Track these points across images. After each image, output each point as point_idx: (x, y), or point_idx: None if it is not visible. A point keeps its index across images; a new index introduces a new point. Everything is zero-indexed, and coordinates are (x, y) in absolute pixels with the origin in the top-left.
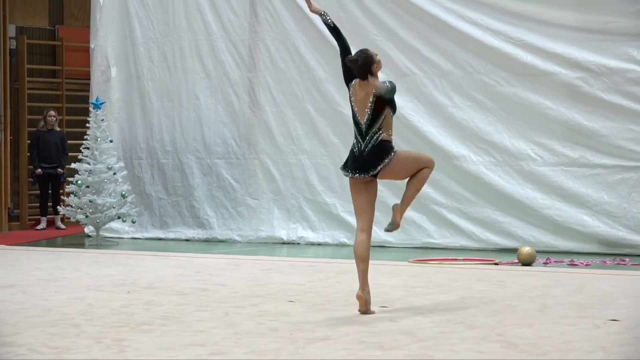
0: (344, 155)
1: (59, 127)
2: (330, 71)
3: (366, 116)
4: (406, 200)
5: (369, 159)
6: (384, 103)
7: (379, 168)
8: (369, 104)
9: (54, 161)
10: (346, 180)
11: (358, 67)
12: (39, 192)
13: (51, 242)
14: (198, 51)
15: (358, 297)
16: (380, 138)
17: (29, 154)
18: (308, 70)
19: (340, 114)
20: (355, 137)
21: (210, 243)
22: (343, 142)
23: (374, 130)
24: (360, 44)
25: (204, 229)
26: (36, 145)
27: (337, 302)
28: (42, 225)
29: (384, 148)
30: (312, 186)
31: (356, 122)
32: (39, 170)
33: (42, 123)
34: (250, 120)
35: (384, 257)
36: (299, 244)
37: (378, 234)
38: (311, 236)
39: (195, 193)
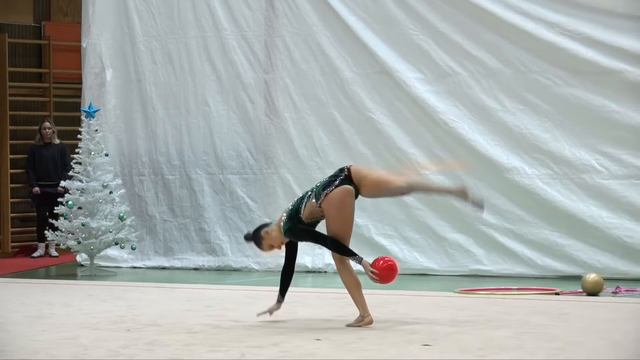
0: (376, 168)
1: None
2: (358, 71)
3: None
4: None
5: None
6: None
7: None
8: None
9: (52, 179)
10: (380, 199)
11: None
12: (35, 214)
13: (38, 273)
14: (207, 50)
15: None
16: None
17: (24, 170)
18: (333, 70)
19: (370, 121)
20: None
21: (223, 272)
22: (374, 152)
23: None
24: (395, 40)
25: (215, 255)
26: (32, 162)
27: (371, 340)
28: (39, 252)
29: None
30: None
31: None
32: (37, 188)
33: (37, 136)
34: (268, 129)
35: (426, 287)
36: (325, 272)
37: (418, 260)
38: None
39: (205, 214)
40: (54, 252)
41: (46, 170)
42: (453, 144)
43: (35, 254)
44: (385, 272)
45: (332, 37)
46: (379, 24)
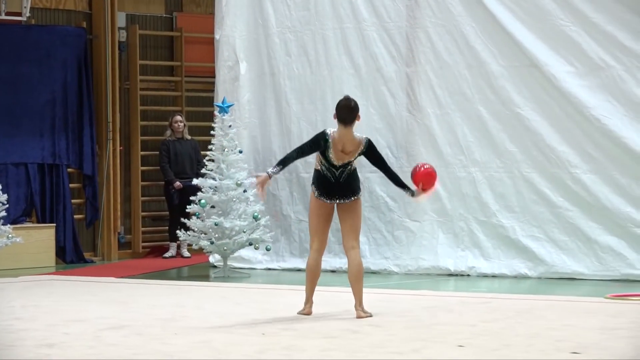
0: (524, 166)
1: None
2: (505, 64)
3: (344, 162)
4: (359, 295)
5: (345, 186)
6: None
7: (355, 197)
8: (353, 159)
9: (188, 175)
10: (528, 198)
11: (349, 110)
12: (167, 211)
13: (170, 274)
14: (345, 42)
15: (309, 313)
16: (353, 168)
17: (159, 167)
18: (479, 63)
19: (518, 117)
20: (325, 167)
21: None
22: (522, 150)
23: (346, 164)
24: (545, 32)
25: None
26: (167, 157)
27: (517, 347)
28: (171, 252)
29: (356, 177)
30: (485, 205)
31: (329, 161)
32: (179, 183)
33: (168, 131)
34: (409, 125)
35: (574, 292)
36: (469, 275)
37: (567, 263)
38: (484, 266)
39: None
40: (186, 253)
41: (181, 166)
42: (605, 141)
43: (166, 255)
44: (425, 177)
45: (477, 28)
46: (527, 14)
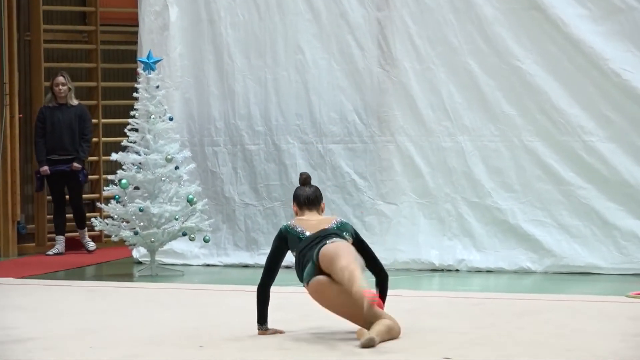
0: (525, 134)
1: (78, 98)
2: (501, 6)
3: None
4: None
5: None
6: None
7: None
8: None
9: (68, 151)
10: (530, 174)
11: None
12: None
13: (84, 273)
14: None
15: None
16: None
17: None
18: (467, 5)
19: (518, 72)
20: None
21: None
22: (522, 113)
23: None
24: None
25: None
26: (42, 130)
27: (518, 358)
28: (57, 248)
29: None
30: (477, 183)
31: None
32: (45, 167)
33: (49, 95)
34: (382, 83)
35: (589, 290)
36: (457, 270)
37: (580, 254)
38: (477, 259)
39: None
40: (90, 245)
41: (59, 140)
42: (627, 102)
43: (51, 252)
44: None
45: None
46: None
